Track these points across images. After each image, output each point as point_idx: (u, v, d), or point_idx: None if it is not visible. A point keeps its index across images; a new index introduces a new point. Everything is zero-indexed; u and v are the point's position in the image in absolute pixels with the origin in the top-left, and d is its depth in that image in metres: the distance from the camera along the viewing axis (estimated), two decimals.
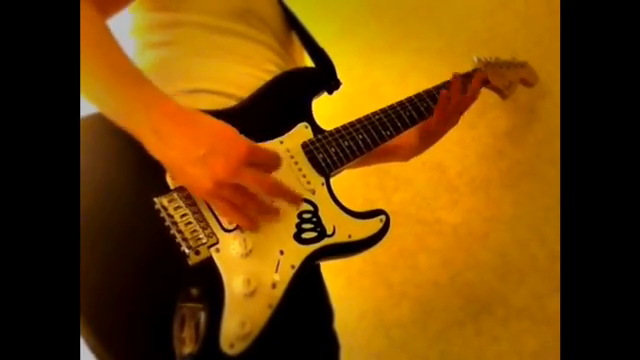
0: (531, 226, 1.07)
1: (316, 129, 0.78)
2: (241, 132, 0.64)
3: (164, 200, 0.64)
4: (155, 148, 0.62)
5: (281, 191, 0.68)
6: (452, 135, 0.98)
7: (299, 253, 0.67)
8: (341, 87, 0.88)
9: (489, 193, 1.15)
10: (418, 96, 0.88)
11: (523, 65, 1.08)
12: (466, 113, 0.96)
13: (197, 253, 0.62)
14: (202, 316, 0.58)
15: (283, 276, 0.65)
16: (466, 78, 0.95)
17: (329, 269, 0.80)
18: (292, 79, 0.83)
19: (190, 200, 0.65)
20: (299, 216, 0.69)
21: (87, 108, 0.64)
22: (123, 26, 0.79)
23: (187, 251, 0.62)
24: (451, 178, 1.21)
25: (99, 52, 0.62)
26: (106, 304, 0.57)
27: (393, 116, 0.83)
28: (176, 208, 0.64)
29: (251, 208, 0.65)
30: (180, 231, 0.63)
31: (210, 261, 0.62)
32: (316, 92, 0.84)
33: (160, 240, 0.62)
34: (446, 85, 0.92)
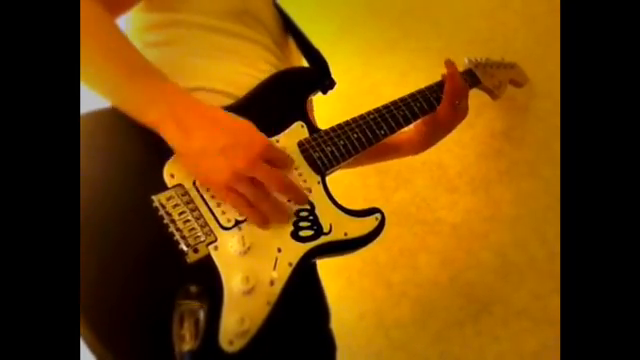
0: (531, 226, 1.07)
1: (311, 128, 0.79)
2: None
3: (162, 198, 0.64)
4: (175, 137, 0.64)
5: (292, 190, 0.69)
6: (452, 135, 0.99)
7: (296, 251, 0.67)
8: (335, 87, 0.88)
9: (489, 193, 1.15)
10: (412, 96, 0.89)
11: (513, 66, 1.09)
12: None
13: (195, 251, 0.62)
14: (201, 313, 0.58)
15: (281, 273, 0.65)
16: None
17: (329, 269, 0.80)
18: (287, 78, 0.83)
19: (188, 198, 0.66)
20: (296, 214, 0.70)
21: (86, 107, 0.64)
22: (122, 26, 0.79)
23: (185, 249, 0.62)
24: (451, 178, 1.21)
25: (116, 46, 0.66)
26: (105, 302, 0.57)
27: (387, 116, 0.84)
28: (174, 206, 0.64)
29: (264, 205, 0.66)
30: (178, 229, 0.63)
31: (209, 259, 0.63)
32: (311, 91, 0.85)
33: (158, 238, 0.62)
34: (442, 78, 0.92)
